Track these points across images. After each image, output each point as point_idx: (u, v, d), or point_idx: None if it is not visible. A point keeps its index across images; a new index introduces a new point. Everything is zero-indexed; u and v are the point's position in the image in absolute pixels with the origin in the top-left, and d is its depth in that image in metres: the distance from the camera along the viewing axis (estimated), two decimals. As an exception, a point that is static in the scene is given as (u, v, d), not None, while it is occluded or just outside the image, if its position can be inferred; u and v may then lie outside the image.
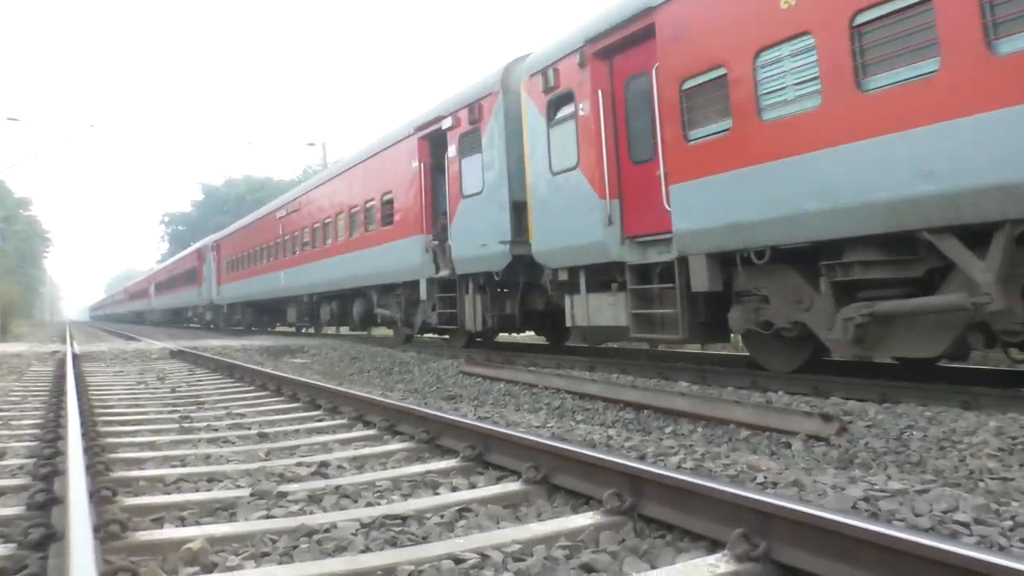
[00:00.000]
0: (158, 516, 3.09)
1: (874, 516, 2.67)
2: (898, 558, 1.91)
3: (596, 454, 3.18)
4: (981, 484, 3.90)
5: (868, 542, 1.99)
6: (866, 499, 2.85)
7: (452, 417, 4.53)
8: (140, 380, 9.09)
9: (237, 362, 10.00)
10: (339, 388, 6.48)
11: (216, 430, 5.35)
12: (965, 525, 2.54)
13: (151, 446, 4.74)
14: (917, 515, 2.65)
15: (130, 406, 6.71)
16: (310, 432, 5.19)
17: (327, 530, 2.80)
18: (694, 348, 13.72)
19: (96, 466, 3.75)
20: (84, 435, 4.40)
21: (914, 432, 4.89)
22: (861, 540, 2.01)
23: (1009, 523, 2.55)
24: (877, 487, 3.04)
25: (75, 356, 12.01)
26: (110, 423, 5.63)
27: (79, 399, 6.02)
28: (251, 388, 7.92)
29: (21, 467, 4.01)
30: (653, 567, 2.34)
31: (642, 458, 3.83)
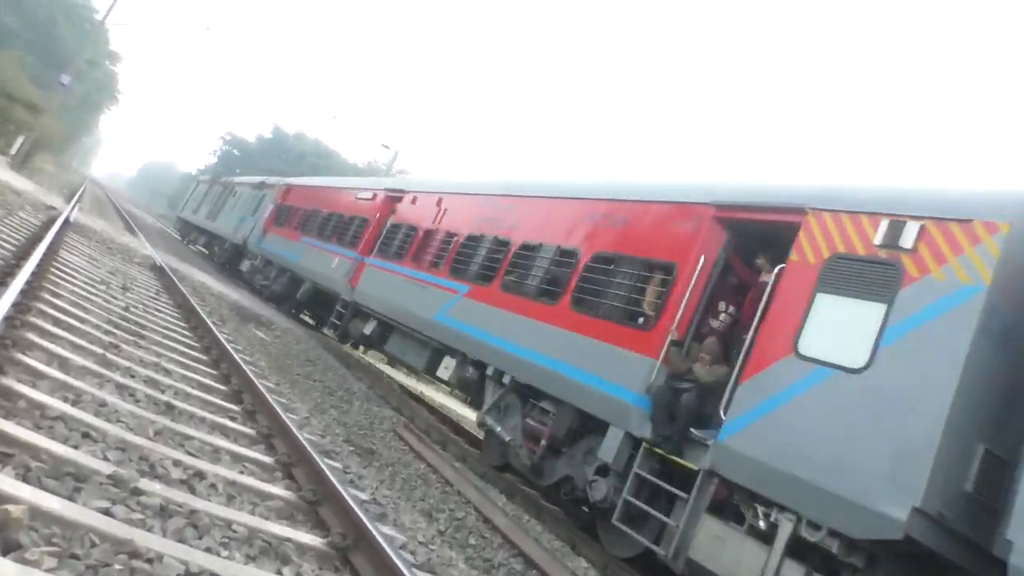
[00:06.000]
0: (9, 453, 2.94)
1: None
2: None
3: None
4: None
5: None
6: None
7: (339, 489, 4.28)
8: (104, 280, 8.93)
9: (198, 309, 9.69)
10: (269, 396, 6.14)
11: (132, 376, 5.17)
12: None
13: (62, 364, 4.58)
14: None
15: (74, 305, 6.53)
16: (212, 428, 4.94)
17: (150, 560, 2.63)
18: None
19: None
20: (5, 320, 4.28)
21: None
22: None
23: None
24: None
25: (65, 223, 11.90)
26: (44, 316, 5.48)
27: (31, 279, 5.91)
28: (196, 348, 7.69)
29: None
30: None
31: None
